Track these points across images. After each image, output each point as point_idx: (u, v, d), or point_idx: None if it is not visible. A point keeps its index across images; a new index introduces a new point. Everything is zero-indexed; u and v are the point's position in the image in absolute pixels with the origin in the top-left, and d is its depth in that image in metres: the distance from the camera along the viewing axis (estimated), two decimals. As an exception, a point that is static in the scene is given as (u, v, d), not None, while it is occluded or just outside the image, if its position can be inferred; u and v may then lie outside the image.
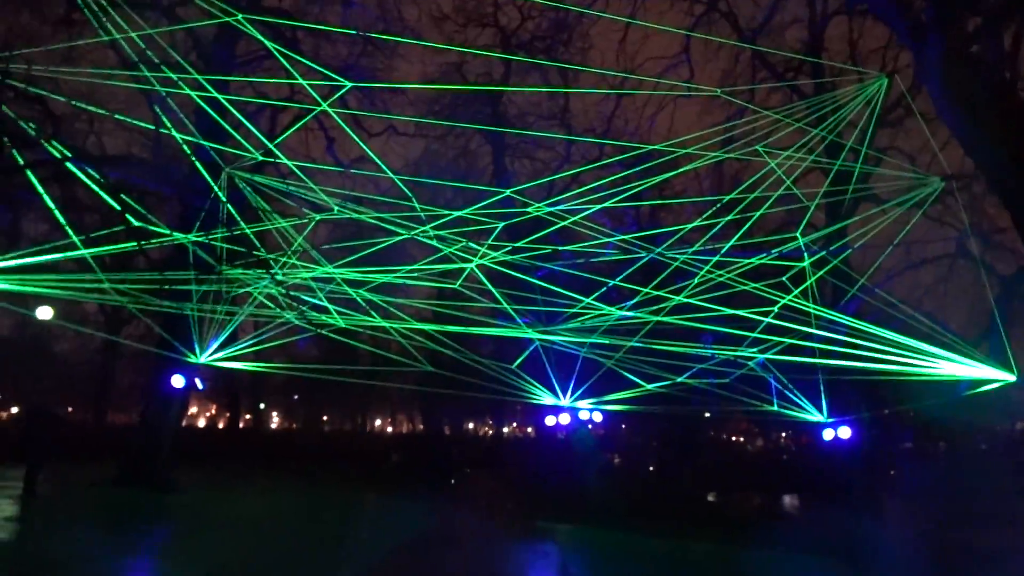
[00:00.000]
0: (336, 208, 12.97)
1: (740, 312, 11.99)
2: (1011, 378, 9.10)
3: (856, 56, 16.92)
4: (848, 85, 11.49)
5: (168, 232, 10.48)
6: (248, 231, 12.13)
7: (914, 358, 9.70)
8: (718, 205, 13.31)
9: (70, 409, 51.49)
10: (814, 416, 17.58)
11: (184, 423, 58.74)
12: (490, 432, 47.43)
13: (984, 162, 8.79)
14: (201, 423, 59.42)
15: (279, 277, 12.78)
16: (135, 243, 8.82)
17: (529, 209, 12.18)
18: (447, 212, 11.48)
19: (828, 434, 18.00)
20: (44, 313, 27.29)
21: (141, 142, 15.35)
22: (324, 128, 16.17)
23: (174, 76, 9.64)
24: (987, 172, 8.85)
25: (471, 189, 13.70)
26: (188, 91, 10.00)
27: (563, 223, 12.22)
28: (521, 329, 15.57)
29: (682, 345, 14.91)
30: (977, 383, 9.77)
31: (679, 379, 16.70)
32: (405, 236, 11.58)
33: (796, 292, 11.24)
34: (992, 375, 9.20)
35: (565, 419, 19.13)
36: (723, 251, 13.06)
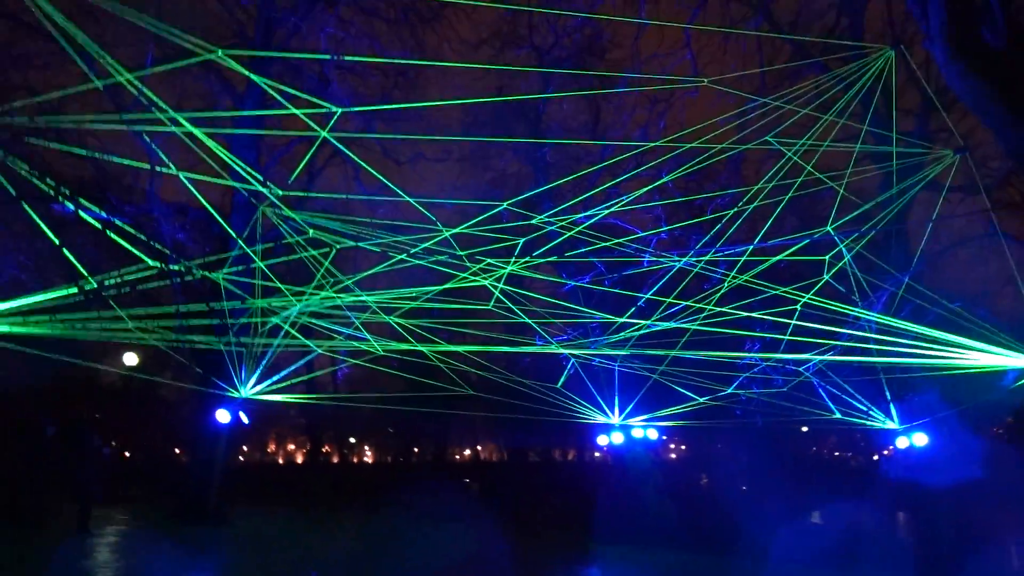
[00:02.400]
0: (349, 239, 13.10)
1: (757, 314, 11.20)
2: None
3: (899, 36, 15.76)
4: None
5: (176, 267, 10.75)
6: (261, 264, 12.36)
7: (945, 351, 8.75)
8: (741, 202, 12.53)
9: (178, 451, 54.29)
10: (883, 423, 16.28)
11: (281, 460, 61.22)
12: (572, 456, 46.80)
13: (997, 127, 7.89)
14: (299, 459, 61.31)
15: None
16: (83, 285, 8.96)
17: (534, 221, 11.87)
18: (440, 229, 11.26)
19: (902, 442, 16.61)
20: (130, 360, 28.77)
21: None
22: (349, 161, 16.42)
23: (173, 114, 9.93)
24: (1002, 137, 7.94)
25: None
26: (190, 128, 10.24)
27: (568, 234, 11.81)
28: (554, 347, 15.22)
29: (722, 354, 14.12)
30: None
31: (728, 390, 15.86)
32: (401, 256, 11.45)
33: (815, 289, 10.41)
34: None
35: (618, 438, 18.48)
36: (749, 250, 12.33)
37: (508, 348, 15.32)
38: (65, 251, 9.57)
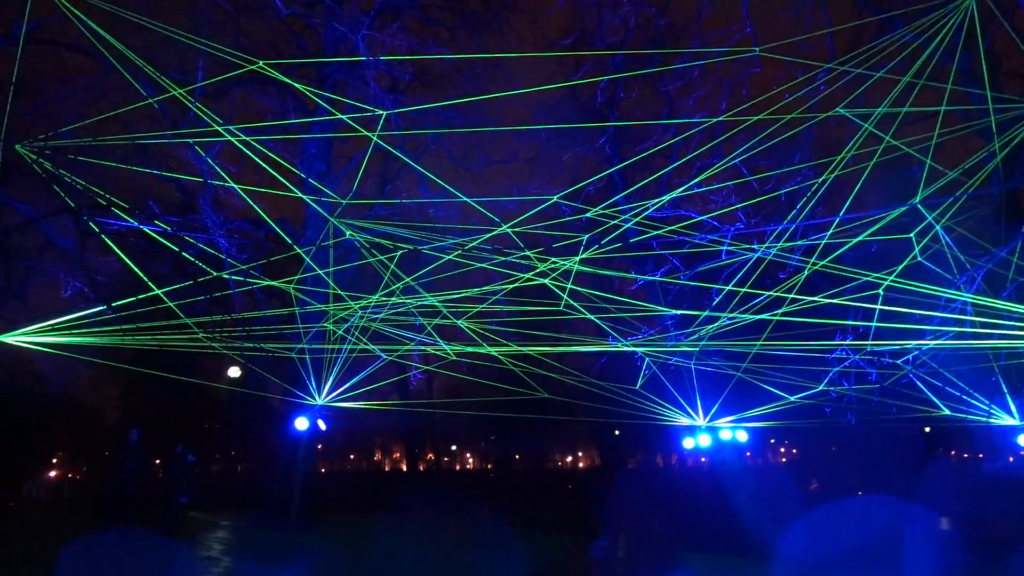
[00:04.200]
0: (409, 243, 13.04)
1: (840, 301, 10.26)
2: None
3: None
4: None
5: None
6: (321, 272, 12.48)
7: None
8: (824, 175, 11.50)
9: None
10: (1002, 419, 14.68)
11: (388, 467, 62.71)
12: (675, 460, 45.43)
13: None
14: (404, 467, 62.56)
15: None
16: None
17: (589, 214, 11.40)
18: (501, 227, 10.96)
19: (1024, 440, 14.95)
20: (234, 372, 29.85)
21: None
22: (418, 168, 16.49)
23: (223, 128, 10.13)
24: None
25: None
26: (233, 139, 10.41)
27: (627, 225, 11.25)
28: (623, 345, 14.60)
29: (805, 343, 13.08)
30: None
31: (819, 387, 14.74)
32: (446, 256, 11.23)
33: (897, 271, 9.41)
34: None
35: (705, 440, 17.56)
36: (832, 229, 11.32)
37: (579, 348, 14.84)
38: (129, 262, 9.95)
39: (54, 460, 46.82)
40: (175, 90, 9.59)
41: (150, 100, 9.72)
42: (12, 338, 8.26)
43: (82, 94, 12.04)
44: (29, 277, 13.40)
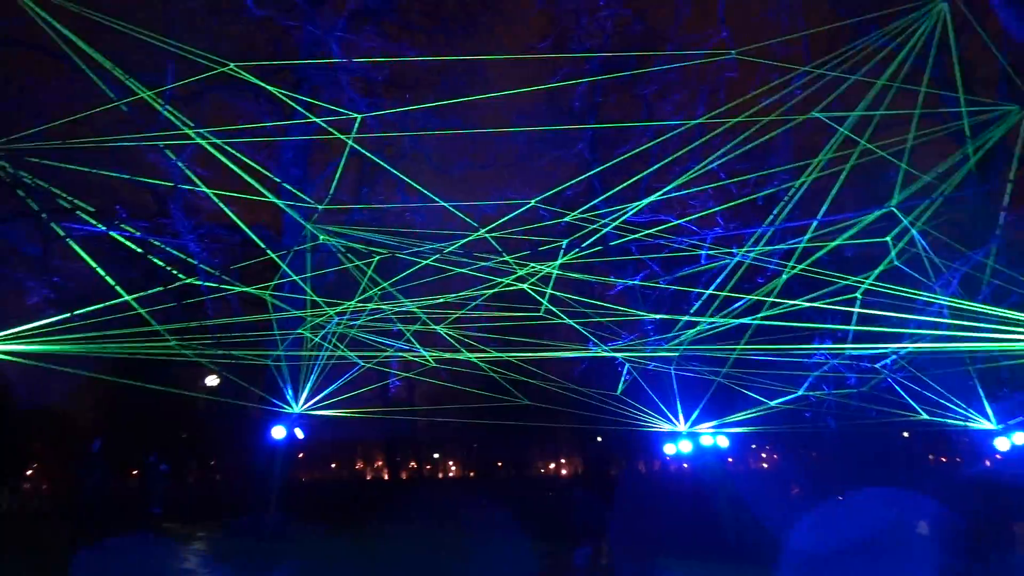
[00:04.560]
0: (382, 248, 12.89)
1: (819, 304, 10.24)
2: None
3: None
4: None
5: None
6: (296, 278, 12.28)
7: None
8: (800, 179, 11.50)
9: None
10: (978, 422, 14.77)
11: (370, 476, 62.15)
12: (657, 467, 45.43)
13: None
14: (386, 476, 62.11)
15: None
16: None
17: (567, 218, 11.31)
18: (478, 232, 10.86)
19: (1002, 443, 15.03)
20: (212, 380, 29.36)
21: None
22: (395, 173, 16.28)
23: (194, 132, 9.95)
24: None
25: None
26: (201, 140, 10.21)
27: (605, 230, 11.18)
28: (601, 350, 14.54)
29: (783, 346, 13.07)
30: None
31: (798, 392, 14.75)
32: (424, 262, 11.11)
33: (874, 275, 9.41)
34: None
35: (686, 446, 17.52)
36: (810, 233, 11.32)
37: (558, 354, 14.73)
38: (96, 267, 9.72)
39: (28, 472, 45.97)
40: (144, 92, 9.42)
41: (118, 103, 9.50)
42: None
43: (51, 97, 11.79)
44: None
